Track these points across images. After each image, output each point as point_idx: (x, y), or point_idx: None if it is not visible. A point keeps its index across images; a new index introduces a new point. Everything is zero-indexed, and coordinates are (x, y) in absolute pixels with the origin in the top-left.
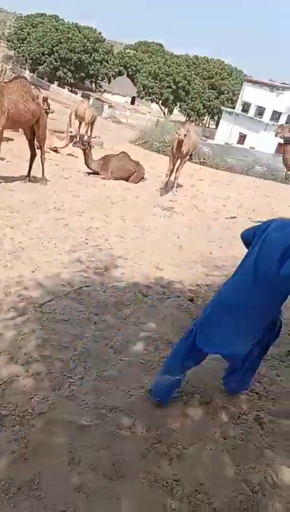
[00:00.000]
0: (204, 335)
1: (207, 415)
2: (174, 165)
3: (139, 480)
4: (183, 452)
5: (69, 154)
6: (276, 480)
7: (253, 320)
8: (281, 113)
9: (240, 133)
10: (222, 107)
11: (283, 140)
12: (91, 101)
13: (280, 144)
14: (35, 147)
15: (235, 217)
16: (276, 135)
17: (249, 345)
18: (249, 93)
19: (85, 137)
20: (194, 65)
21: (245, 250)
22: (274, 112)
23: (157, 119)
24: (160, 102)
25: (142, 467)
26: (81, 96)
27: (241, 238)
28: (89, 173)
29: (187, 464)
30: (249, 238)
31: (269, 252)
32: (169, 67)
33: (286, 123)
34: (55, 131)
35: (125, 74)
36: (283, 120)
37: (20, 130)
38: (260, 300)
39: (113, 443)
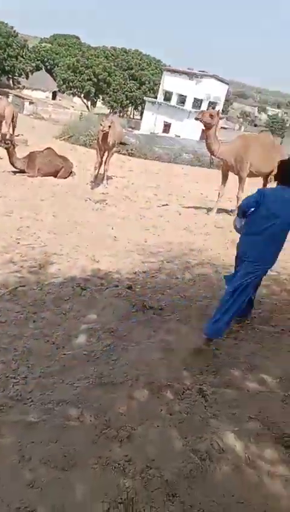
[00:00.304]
0: None
1: (153, 395)
2: (102, 157)
3: (91, 466)
4: (132, 433)
5: None
6: (222, 446)
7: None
8: (202, 100)
9: (164, 121)
10: (145, 97)
11: (204, 125)
12: (10, 98)
13: (203, 130)
14: None
15: (167, 205)
16: (196, 120)
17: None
18: (169, 83)
19: (7, 136)
20: (112, 56)
21: (178, 236)
22: (195, 100)
23: (81, 113)
24: (82, 95)
25: (93, 453)
26: None
27: (242, 207)
28: (15, 172)
29: (137, 443)
30: (248, 206)
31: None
32: (88, 60)
33: (208, 109)
34: None
35: (44, 69)
36: (204, 107)
37: None
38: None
39: (62, 435)
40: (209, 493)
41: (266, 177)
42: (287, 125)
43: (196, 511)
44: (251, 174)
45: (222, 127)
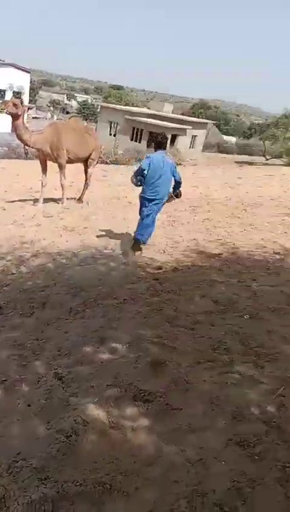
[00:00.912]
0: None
1: (7, 392)
2: None
3: None
4: None
5: None
6: (85, 418)
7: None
8: (5, 90)
9: None
10: None
11: (10, 116)
12: None
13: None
14: None
15: None
16: (1, 112)
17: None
18: None
19: None
20: None
21: (7, 231)
22: None
23: None
24: None
25: None
26: None
27: (140, 168)
28: None
29: None
30: (143, 169)
31: (164, 170)
32: None
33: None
34: None
35: None
36: (8, 97)
37: None
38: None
39: None
40: (81, 464)
41: (85, 162)
42: (98, 110)
43: (70, 483)
44: (69, 161)
45: (33, 117)
